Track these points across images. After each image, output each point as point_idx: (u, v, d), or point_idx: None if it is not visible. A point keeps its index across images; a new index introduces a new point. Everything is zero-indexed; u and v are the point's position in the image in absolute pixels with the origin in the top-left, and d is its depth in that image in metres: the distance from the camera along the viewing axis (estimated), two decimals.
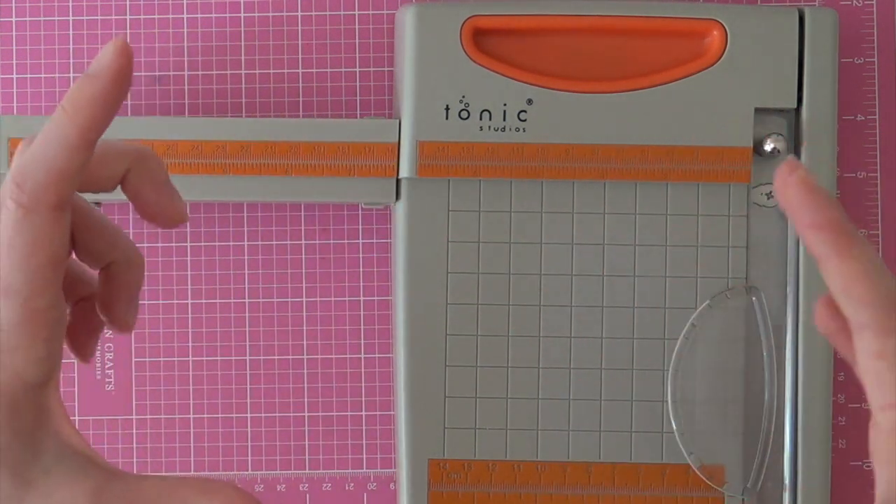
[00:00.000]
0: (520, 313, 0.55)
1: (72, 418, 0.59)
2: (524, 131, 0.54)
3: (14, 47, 0.61)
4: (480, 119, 0.54)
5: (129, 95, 0.59)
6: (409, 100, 0.54)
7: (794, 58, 0.54)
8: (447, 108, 0.54)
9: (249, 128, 0.55)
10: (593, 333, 0.55)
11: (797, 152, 0.55)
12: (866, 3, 0.60)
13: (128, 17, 0.61)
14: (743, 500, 0.55)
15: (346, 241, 0.61)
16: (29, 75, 0.61)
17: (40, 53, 0.61)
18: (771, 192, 0.55)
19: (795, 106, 0.55)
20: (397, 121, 0.55)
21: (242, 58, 0.60)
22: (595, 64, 0.55)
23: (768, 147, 0.54)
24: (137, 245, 0.59)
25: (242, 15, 0.60)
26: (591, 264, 0.55)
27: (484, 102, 0.54)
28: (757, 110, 0.55)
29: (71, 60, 0.61)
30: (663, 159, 0.54)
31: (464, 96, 0.54)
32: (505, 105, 0.54)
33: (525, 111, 0.54)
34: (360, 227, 0.60)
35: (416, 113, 0.54)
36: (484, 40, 0.55)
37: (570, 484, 0.55)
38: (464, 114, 0.54)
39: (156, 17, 0.61)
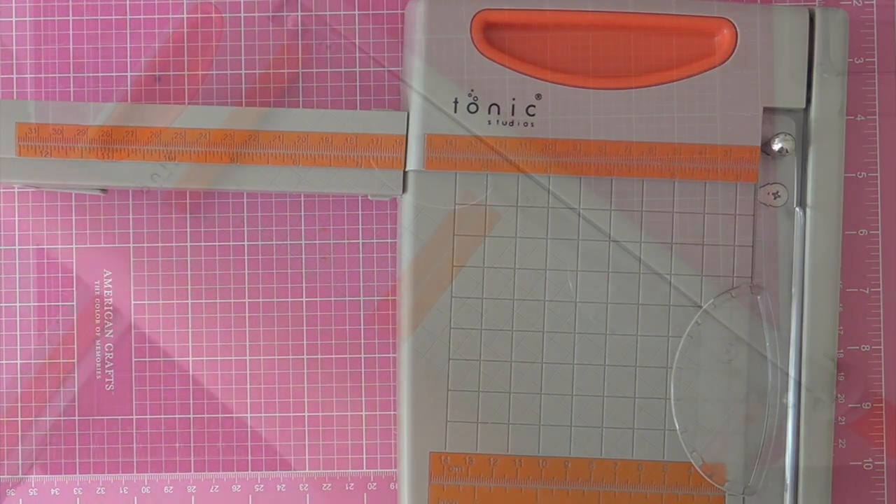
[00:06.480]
0: (524, 308, 0.55)
1: (72, 418, 0.60)
2: (532, 126, 0.54)
3: (14, 47, 0.60)
4: (489, 113, 0.54)
5: (129, 95, 0.60)
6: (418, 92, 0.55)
7: (804, 58, 0.55)
8: (456, 102, 0.54)
9: (258, 117, 0.54)
10: (597, 330, 0.55)
11: (805, 152, 0.55)
12: (866, 3, 0.61)
13: (128, 17, 0.61)
14: (744, 499, 0.55)
15: (346, 241, 0.61)
16: (29, 75, 0.60)
17: (40, 53, 0.60)
18: (778, 192, 0.56)
19: (804, 106, 0.55)
20: (406, 113, 0.55)
21: (242, 58, 0.60)
22: (604, 60, 0.55)
23: (776, 146, 0.55)
24: (138, 243, 0.60)
25: (242, 15, 0.60)
26: (596, 260, 0.55)
27: (493, 96, 0.54)
28: (765, 110, 0.55)
29: (71, 60, 0.60)
30: (671, 157, 0.54)
31: (473, 90, 0.54)
32: (514, 99, 0.54)
33: (534, 106, 0.54)
34: (361, 226, 0.60)
35: (425, 105, 0.54)
36: (494, 34, 0.55)
37: (571, 480, 0.55)
38: (472, 107, 0.54)
39: (156, 17, 0.61)
